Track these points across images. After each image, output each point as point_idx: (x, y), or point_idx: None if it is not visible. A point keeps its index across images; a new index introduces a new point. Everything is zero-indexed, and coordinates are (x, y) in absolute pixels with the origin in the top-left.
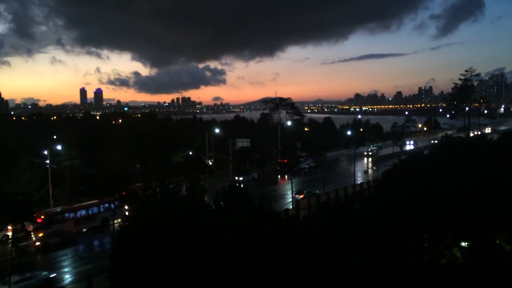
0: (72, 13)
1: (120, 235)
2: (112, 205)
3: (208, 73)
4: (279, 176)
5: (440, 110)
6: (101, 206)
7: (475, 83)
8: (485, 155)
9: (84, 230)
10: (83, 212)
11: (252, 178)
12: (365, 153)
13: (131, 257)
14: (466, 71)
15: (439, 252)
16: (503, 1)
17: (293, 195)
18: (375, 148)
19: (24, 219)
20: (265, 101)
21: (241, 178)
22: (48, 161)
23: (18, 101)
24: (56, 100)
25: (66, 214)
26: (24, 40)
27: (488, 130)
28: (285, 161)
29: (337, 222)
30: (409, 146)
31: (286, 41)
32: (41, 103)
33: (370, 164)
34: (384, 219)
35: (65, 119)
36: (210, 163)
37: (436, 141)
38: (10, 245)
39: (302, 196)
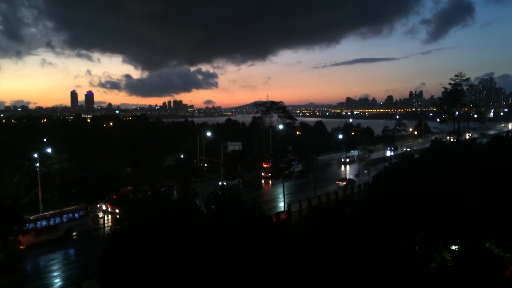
0: (62, 15)
1: (111, 239)
2: (77, 215)
3: (200, 76)
4: (263, 181)
5: (431, 114)
6: (64, 216)
7: (465, 88)
8: (474, 159)
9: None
10: (44, 223)
11: (237, 183)
12: (355, 157)
13: (121, 261)
14: (456, 75)
15: (429, 255)
16: (493, 6)
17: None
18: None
19: (12, 223)
20: (257, 104)
21: (225, 183)
22: (37, 164)
23: (7, 104)
24: (46, 103)
25: (27, 225)
26: (13, 42)
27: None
28: (268, 165)
29: (328, 225)
30: (390, 152)
31: (278, 45)
32: (31, 106)
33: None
34: (375, 223)
35: (55, 122)
36: (205, 166)
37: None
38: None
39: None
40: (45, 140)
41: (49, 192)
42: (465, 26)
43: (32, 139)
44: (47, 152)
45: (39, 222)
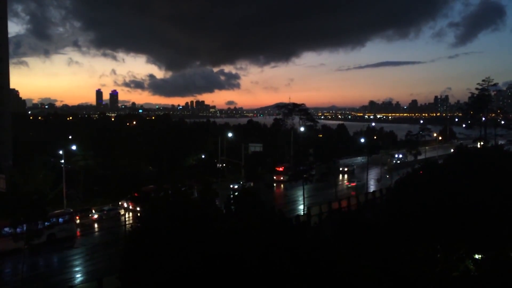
0: (89, 15)
1: (132, 236)
2: (61, 220)
3: (222, 77)
4: (274, 185)
5: (456, 119)
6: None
7: (492, 93)
8: (500, 166)
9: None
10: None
11: (250, 186)
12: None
13: (141, 258)
14: (483, 80)
15: (452, 263)
16: None
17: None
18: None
19: (38, 218)
20: (279, 106)
21: (235, 186)
22: (63, 161)
23: (35, 101)
24: (72, 101)
25: (5, 229)
26: (41, 41)
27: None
28: (281, 169)
29: (348, 229)
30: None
31: (301, 47)
32: (58, 104)
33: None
34: (396, 228)
35: (80, 120)
36: (224, 166)
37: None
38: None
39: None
40: (70, 137)
41: (73, 189)
42: (495, 30)
43: (58, 136)
44: (73, 149)
45: (19, 227)
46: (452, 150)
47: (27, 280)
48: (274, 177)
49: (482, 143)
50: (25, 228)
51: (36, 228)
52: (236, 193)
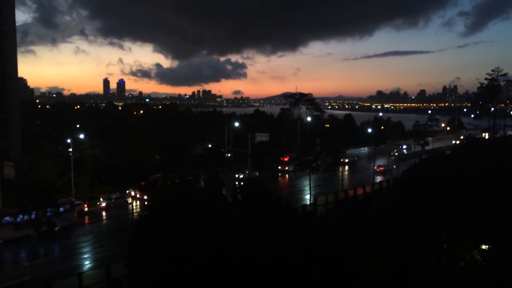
0: (96, 3)
1: (139, 224)
2: (61, 209)
3: (229, 67)
4: (279, 175)
5: (465, 109)
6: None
7: (502, 83)
8: (509, 157)
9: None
10: (25, 216)
11: (252, 176)
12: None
13: (148, 246)
14: (492, 70)
15: (458, 254)
16: None
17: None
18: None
19: (46, 205)
20: (286, 96)
21: (241, 176)
22: (70, 150)
23: (43, 90)
24: (80, 90)
25: (6, 218)
26: (48, 29)
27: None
28: (286, 159)
29: (354, 220)
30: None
31: (309, 36)
32: (65, 92)
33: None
34: (402, 219)
35: (88, 109)
36: (229, 156)
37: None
38: (33, 230)
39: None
40: (78, 126)
41: (81, 177)
42: (506, 19)
43: (66, 125)
44: (80, 138)
45: (20, 216)
46: (454, 142)
47: (36, 267)
48: (279, 167)
49: (490, 133)
50: (25, 217)
51: (44, 215)
52: (242, 183)
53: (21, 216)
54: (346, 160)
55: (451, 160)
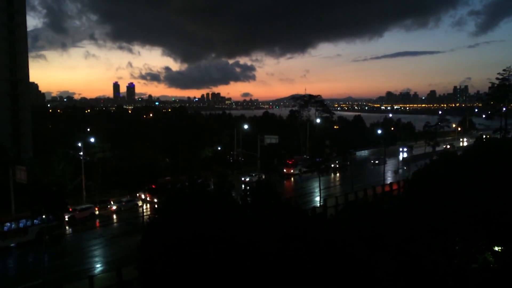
0: (105, 8)
1: (150, 227)
2: (51, 216)
3: (238, 69)
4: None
5: (476, 110)
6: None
7: None
8: None
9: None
10: (12, 225)
11: (259, 179)
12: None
13: (159, 249)
14: (504, 70)
15: (471, 256)
16: None
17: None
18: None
19: (58, 209)
20: (295, 98)
21: (247, 179)
22: (81, 153)
23: (54, 94)
24: (90, 94)
25: None
26: (58, 34)
27: None
28: (291, 162)
29: (364, 221)
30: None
31: (318, 38)
32: (76, 96)
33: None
34: (414, 220)
35: (98, 113)
36: (240, 158)
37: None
38: (44, 233)
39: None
40: (89, 130)
41: (92, 180)
42: None
43: (77, 129)
44: (91, 142)
45: (7, 224)
46: (462, 143)
47: (48, 270)
48: (284, 170)
49: (502, 133)
50: (12, 226)
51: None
52: (251, 185)
53: (8, 224)
54: (337, 166)
55: (462, 161)
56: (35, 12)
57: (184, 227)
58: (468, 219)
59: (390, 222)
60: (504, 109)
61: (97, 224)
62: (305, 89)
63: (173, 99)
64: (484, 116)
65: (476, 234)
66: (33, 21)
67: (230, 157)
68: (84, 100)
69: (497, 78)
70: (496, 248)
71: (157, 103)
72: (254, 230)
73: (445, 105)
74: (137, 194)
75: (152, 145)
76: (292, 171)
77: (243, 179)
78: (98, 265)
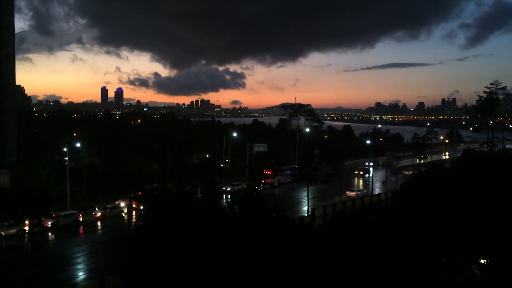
0: (93, 12)
1: (135, 235)
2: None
3: (227, 76)
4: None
5: (463, 122)
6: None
7: (501, 97)
8: (508, 170)
9: None
10: None
11: (242, 188)
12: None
13: (144, 257)
14: (491, 83)
15: (457, 268)
16: None
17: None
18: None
19: (41, 214)
20: (284, 106)
21: (228, 189)
22: (67, 158)
23: (40, 98)
24: (77, 98)
25: None
26: (45, 37)
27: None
28: (269, 172)
29: (352, 232)
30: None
31: (309, 47)
32: (63, 101)
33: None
34: (401, 231)
35: (85, 117)
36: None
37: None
38: (26, 239)
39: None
40: (75, 134)
41: (77, 186)
42: (508, 32)
43: (63, 133)
44: (77, 147)
45: None
46: (447, 156)
47: (29, 278)
48: (262, 181)
49: (488, 146)
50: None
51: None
52: (239, 194)
53: None
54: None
55: (449, 173)
56: (21, 14)
57: (170, 235)
58: (455, 231)
59: (377, 233)
60: (491, 122)
61: (81, 231)
62: (295, 98)
63: (162, 105)
64: (471, 128)
65: (462, 246)
66: (18, 23)
67: (222, 164)
68: (71, 104)
69: (484, 92)
70: (482, 261)
71: (145, 109)
72: (242, 238)
73: (433, 117)
74: (120, 201)
75: (140, 151)
76: (270, 181)
77: (224, 188)
78: (81, 273)
